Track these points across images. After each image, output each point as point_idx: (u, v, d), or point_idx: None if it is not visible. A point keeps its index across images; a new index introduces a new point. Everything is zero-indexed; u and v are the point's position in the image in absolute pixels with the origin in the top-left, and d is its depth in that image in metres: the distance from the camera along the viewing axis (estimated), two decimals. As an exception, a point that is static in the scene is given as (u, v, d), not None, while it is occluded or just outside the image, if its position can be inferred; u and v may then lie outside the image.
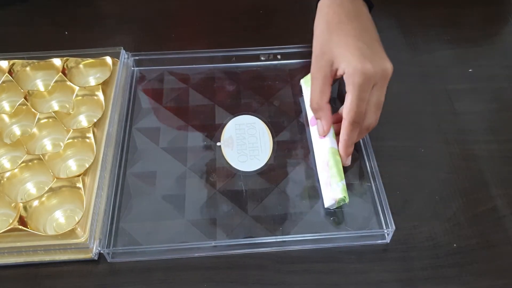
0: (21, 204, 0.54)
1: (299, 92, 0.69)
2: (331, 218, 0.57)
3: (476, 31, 0.78)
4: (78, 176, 0.57)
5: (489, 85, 0.71)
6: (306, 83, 0.67)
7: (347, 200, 0.56)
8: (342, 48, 0.57)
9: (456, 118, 0.67)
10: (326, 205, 0.56)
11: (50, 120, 0.63)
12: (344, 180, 0.56)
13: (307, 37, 0.74)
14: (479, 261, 0.54)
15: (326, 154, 0.58)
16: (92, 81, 0.70)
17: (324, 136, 0.60)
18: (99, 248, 0.53)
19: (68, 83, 0.66)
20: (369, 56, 0.56)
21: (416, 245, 0.55)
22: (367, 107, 0.57)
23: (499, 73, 0.72)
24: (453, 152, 0.63)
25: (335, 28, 0.60)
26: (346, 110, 0.56)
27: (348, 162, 0.59)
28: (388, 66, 0.56)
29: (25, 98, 0.64)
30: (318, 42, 0.61)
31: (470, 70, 0.72)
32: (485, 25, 0.79)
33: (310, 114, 0.64)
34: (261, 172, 0.61)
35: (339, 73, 0.57)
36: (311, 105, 0.60)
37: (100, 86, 0.65)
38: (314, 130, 0.62)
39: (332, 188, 0.56)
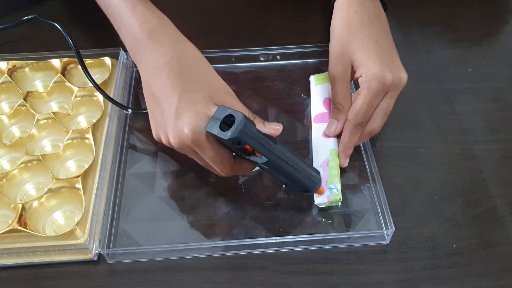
0: (20, 205, 0.54)
1: (299, 92, 0.69)
2: (331, 219, 0.57)
3: (475, 31, 0.78)
4: (78, 177, 0.57)
5: (489, 85, 0.71)
6: (316, 81, 0.67)
7: (340, 203, 0.56)
8: (362, 52, 0.57)
9: (455, 118, 0.67)
10: (316, 202, 0.56)
11: (49, 121, 0.63)
12: (340, 183, 0.57)
13: (306, 38, 0.75)
14: (479, 262, 0.54)
15: (327, 154, 0.58)
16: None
17: (330, 136, 0.60)
18: (98, 249, 0.53)
19: (67, 84, 0.66)
20: (389, 64, 0.56)
21: (415, 246, 0.55)
22: (375, 112, 0.57)
23: (499, 73, 0.72)
24: (452, 152, 0.63)
25: (356, 30, 0.59)
26: (354, 112, 0.56)
27: (346, 163, 0.59)
28: (404, 76, 0.57)
29: (24, 99, 0.64)
30: (337, 44, 0.60)
31: (469, 69, 0.72)
32: (484, 25, 0.79)
33: (315, 112, 0.64)
34: (260, 173, 0.61)
35: (356, 76, 0.58)
36: (335, 107, 0.59)
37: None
38: (316, 128, 0.62)
39: (329, 188, 0.56)
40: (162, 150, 0.63)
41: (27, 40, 0.76)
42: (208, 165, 0.53)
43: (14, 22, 0.73)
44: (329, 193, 0.55)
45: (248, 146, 0.48)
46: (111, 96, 0.64)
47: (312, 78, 0.68)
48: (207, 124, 0.48)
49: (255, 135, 0.48)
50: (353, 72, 0.59)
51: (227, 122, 0.47)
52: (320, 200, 0.56)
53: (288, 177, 0.53)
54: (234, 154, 0.53)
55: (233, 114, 0.47)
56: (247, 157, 0.51)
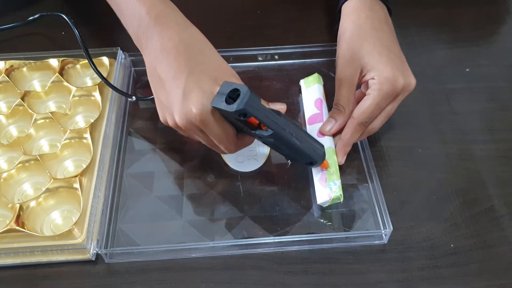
0: (18, 205, 0.54)
1: (297, 92, 0.69)
2: (329, 219, 0.57)
3: (473, 31, 0.78)
4: (75, 176, 0.57)
5: (487, 85, 0.71)
6: (306, 85, 0.67)
7: (342, 199, 0.56)
8: (374, 57, 0.58)
9: (453, 118, 0.67)
10: (318, 202, 0.56)
11: (47, 120, 0.63)
12: (340, 179, 0.56)
13: (304, 38, 0.75)
14: (476, 261, 0.54)
15: None
16: (89, 82, 0.70)
17: (325, 135, 0.60)
18: (96, 249, 0.53)
19: (65, 83, 0.66)
20: (400, 68, 0.57)
21: (413, 246, 0.55)
22: (379, 113, 0.58)
23: (496, 73, 0.72)
24: (450, 152, 0.63)
25: (368, 34, 0.59)
26: (360, 111, 0.57)
27: (343, 161, 0.59)
28: (413, 82, 0.58)
29: (22, 98, 0.64)
30: (347, 47, 0.60)
31: (467, 69, 0.72)
32: (482, 25, 0.79)
33: (308, 114, 0.64)
34: (258, 173, 0.61)
35: (365, 79, 0.58)
36: (336, 108, 0.59)
37: (97, 86, 0.65)
38: (311, 129, 0.62)
39: (329, 186, 0.56)
40: (160, 150, 0.63)
41: (27, 39, 0.76)
42: (213, 145, 0.54)
43: (20, 22, 0.74)
44: (329, 191, 0.55)
45: (253, 120, 0.49)
46: (109, 96, 0.64)
47: (302, 82, 0.68)
48: (213, 100, 0.49)
49: (260, 107, 0.48)
50: (361, 76, 0.59)
51: (232, 96, 0.48)
52: (322, 199, 0.56)
53: (293, 150, 0.53)
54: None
55: (238, 88, 0.47)
56: (253, 131, 0.51)
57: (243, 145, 0.55)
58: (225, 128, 0.51)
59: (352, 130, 0.58)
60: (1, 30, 0.74)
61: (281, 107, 0.53)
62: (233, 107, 0.47)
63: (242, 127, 0.52)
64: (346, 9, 0.63)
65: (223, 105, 0.47)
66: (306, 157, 0.54)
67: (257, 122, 0.50)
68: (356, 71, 0.58)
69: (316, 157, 0.54)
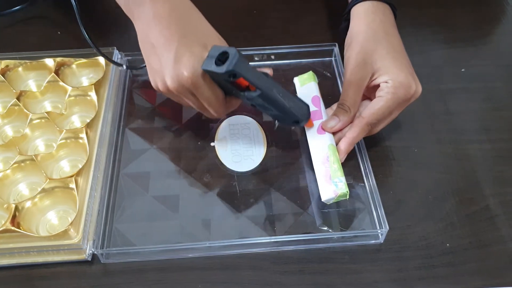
0: (13, 205, 0.54)
1: (293, 92, 0.69)
2: (325, 219, 0.57)
3: (469, 31, 0.78)
4: (71, 176, 0.57)
5: (482, 85, 0.71)
6: (301, 82, 0.67)
7: (347, 196, 0.56)
8: (388, 61, 0.58)
9: (449, 118, 0.67)
10: (323, 199, 0.56)
11: (43, 120, 0.63)
12: (344, 176, 0.56)
13: (300, 38, 0.75)
14: (472, 261, 0.54)
15: (326, 150, 0.58)
16: (85, 82, 0.70)
17: (325, 131, 0.60)
18: (92, 249, 0.53)
19: (61, 83, 0.66)
20: (412, 75, 0.58)
21: (409, 245, 0.55)
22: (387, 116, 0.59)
23: (492, 73, 0.72)
24: (446, 152, 0.63)
25: (382, 39, 0.60)
26: (371, 111, 0.57)
27: (343, 159, 0.59)
28: (420, 89, 0.59)
29: (17, 98, 0.64)
30: (361, 50, 0.60)
31: (462, 70, 0.73)
32: (477, 25, 0.80)
33: None
34: (255, 173, 0.61)
35: (377, 82, 0.58)
36: (342, 108, 0.59)
37: (93, 86, 0.65)
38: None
39: (334, 183, 0.55)
40: (157, 150, 0.63)
41: (23, 38, 0.76)
42: (203, 108, 0.56)
43: (27, 2, 0.77)
44: (335, 188, 0.55)
45: (242, 81, 0.51)
46: (105, 96, 0.64)
47: (296, 80, 0.68)
48: (203, 63, 0.51)
49: (249, 68, 0.51)
50: (371, 79, 0.59)
51: (221, 59, 0.50)
52: (327, 196, 0.55)
53: (280, 109, 0.56)
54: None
55: (227, 51, 0.49)
56: (241, 92, 0.54)
57: (231, 107, 0.58)
58: (215, 91, 0.54)
59: (359, 130, 0.58)
60: (7, 14, 0.76)
61: (267, 71, 0.55)
62: (223, 69, 0.49)
63: (231, 89, 0.54)
64: (357, 10, 0.63)
65: (213, 67, 0.49)
66: (292, 116, 0.57)
67: (246, 84, 0.52)
68: (367, 74, 0.59)
69: (301, 116, 0.57)
